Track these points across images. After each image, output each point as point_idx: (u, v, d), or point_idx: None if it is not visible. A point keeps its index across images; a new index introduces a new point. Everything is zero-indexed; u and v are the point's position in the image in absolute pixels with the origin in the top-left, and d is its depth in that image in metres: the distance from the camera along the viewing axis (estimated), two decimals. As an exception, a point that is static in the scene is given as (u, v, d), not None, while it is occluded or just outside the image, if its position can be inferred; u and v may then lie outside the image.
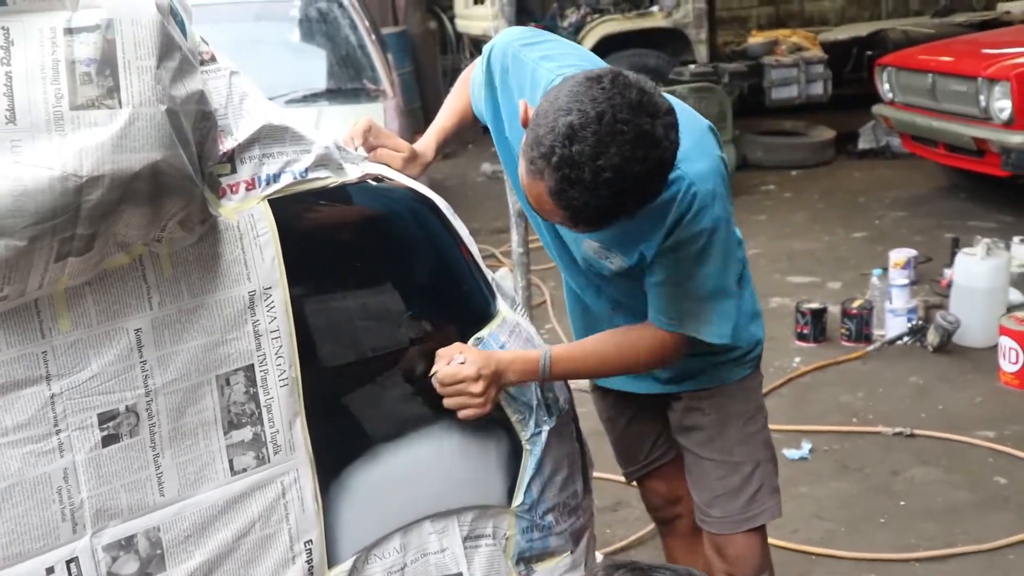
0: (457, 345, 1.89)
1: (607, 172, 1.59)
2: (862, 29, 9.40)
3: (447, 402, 1.88)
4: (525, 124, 1.72)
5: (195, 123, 1.50)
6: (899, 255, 5.05)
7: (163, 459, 1.59)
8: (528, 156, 1.66)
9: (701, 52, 8.40)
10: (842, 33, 9.39)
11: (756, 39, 8.90)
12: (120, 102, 1.37)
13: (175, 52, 1.44)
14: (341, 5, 5.67)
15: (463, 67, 2.46)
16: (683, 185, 1.83)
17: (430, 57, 10.24)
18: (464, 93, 2.22)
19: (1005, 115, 5.95)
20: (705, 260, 1.91)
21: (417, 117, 8.35)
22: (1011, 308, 4.65)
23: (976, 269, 4.73)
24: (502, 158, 2.19)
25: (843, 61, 9.00)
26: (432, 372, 1.88)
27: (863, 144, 8.31)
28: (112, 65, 1.37)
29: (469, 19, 9.33)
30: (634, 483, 2.60)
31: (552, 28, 7.86)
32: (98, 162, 1.35)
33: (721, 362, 2.21)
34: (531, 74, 1.97)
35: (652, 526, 3.31)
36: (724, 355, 2.20)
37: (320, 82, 5.62)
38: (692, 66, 7.99)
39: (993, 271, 4.73)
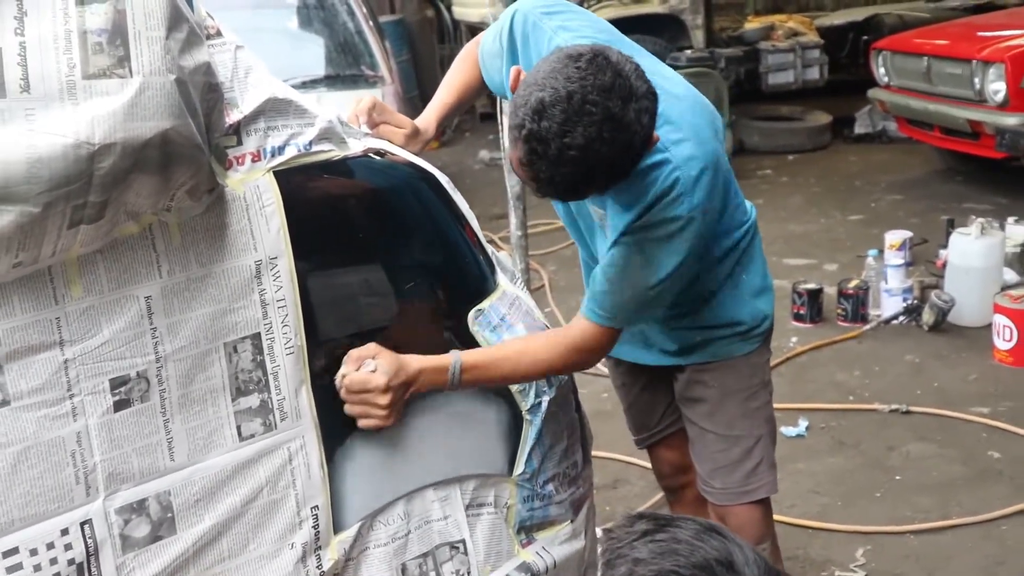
0: (371, 346, 1.81)
1: (572, 150, 1.66)
2: (858, 14, 9.42)
3: (348, 408, 1.80)
4: (514, 90, 1.78)
5: (202, 94, 1.53)
6: (895, 236, 5.08)
7: (173, 424, 1.63)
8: (507, 122, 1.74)
9: (697, 38, 8.41)
10: (838, 18, 9.42)
11: (752, 24, 8.92)
12: (131, 71, 1.41)
13: (183, 23, 1.48)
14: (338, -8, 5.70)
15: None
16: (666, 169, 1.86)
17: (428, 45, 10.24)
18: (464, 69, 2.25)
19: (999, 97, 5.98)
20: (666, 250, 1.91)
21: (416, 105, 8.33)
22: (1005, 287, 4.69)
23: (970, 248, 4.77)
24: None
25: (839, 46, 9.02)
26: (340, 375, 1.79)
27: (859, 129, 8.33)
28: (123, 35, 1.41)
29: (466, 6, 9.31)
30: (635, 461, 2.63)
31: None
32: (110, 130, 1.39)
33: (725, 336, 2.23)
34: (548, 42, 2.00)
35: (651, 502, 3.36)
36: (728, 329, 2.22)
37: (319, 69, 5.65)
38: (688, 52, 7.99)
39: (987, 250, 4.76)
